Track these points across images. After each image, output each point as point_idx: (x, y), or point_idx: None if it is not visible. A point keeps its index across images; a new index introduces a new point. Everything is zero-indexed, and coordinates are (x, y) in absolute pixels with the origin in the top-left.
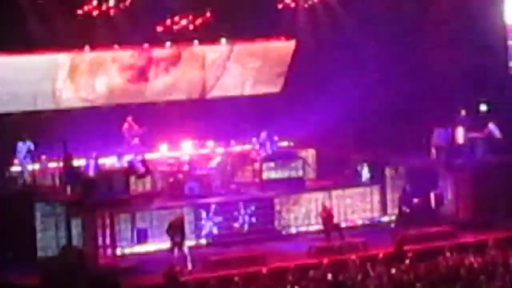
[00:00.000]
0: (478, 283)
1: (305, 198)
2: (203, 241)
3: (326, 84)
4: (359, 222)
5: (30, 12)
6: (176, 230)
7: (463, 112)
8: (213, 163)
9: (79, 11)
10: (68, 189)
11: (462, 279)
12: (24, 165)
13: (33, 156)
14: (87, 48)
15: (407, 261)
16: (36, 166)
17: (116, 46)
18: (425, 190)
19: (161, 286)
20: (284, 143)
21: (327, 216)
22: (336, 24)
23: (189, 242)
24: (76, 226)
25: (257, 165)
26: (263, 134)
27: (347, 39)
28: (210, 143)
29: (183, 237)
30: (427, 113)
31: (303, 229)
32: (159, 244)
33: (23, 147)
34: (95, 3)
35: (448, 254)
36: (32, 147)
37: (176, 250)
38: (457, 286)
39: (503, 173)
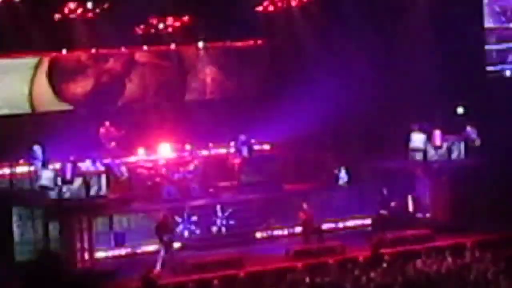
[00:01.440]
0: (455, 286)
1: (283, 201)
2: (180, 244)
3: (303, 87)
4: (337, 225)
5: (7, 15)
6: (164, 230)
7: (440, 115)
8: (191, 167)
9: (58, 15)
10: (46, 193)
11: (439, 283)
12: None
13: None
14: (65, 51)
15: (384, 264)
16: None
17: (94, 49)
18: (403, 193)
19: None
20: (262, 147)
21: (306, 219)
22: (313, 27)
23: None
24: (53, 230)
25: (235, 169)
26: (241, 138)
27: (324, 42)
28: (188, 147)
29: (171, 236)
30: (405, 116)
31: (281, 232)
32: (136, 247)
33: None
34: (73, 6)
35: (425, 257)
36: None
37: (162, 251)
38: None
39: (480, 176)
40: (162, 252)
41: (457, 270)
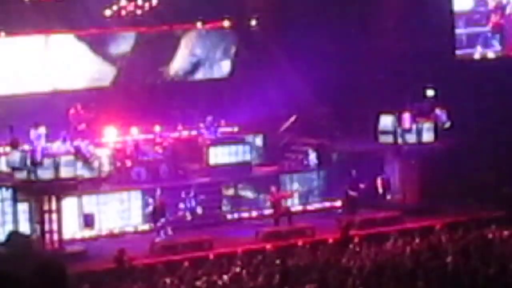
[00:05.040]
0: (424, 268)
1: (252, 183)
2: (150, 226)
3: (272, 69)
4: (306, 207)
5: None
6: (160, 214)
7: (409, 98)
8: (160, 149)
9: None
10: (15, 174)
11: (409, 265)
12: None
13: None
14: (34, 33)
15: (353, 246)
16: None
17: (63, 30)
18: (372, 175)
19: (108, 271)
20: (231, 129)
21: (275, 201)
22: (283, 9)
23: (136, 227)
24: (22, 211)
25: (204, 150)
26: (209, 119)
27: (294, 24)
28: (157, 128)
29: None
30: (374, 98)
31: (250, 214)
32: (105, 229)
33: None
34: None
35: (394, 239)
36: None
37: (162, 233)
38: (404, 272)
39: (449, 159)
40: (160, 236)
41: (425, 252)
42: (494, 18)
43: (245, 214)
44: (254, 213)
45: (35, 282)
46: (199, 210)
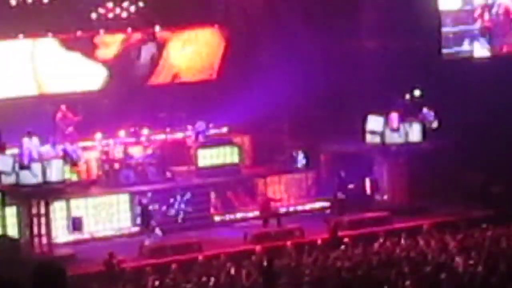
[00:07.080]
0: (414, 268)
1: (240, 184)
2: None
3: (260, 71)
4: (295, 208)
5: None
6: (149, 216)
7: (396, 97)
8: (148, 151)
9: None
10: (3, 178)
11: (398, 264)
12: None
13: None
14: (20, 36)
15: (342, 247)
16: None
17: (50, 34)
18: (360, 176)
19: (97, 274)
20: (219, 130)
21: (264, 202)
22: (270, 12)
23: (125, 230)
24: (11, 215)
25: (192, 152)
26: (200, 124)
27: (280, 26)
28: (145, 131)
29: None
30: (362, 98)
31: (239, 216)
32: (94, 232)
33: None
34: None
35: (383, 239)
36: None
37: (151, 235)
38: (393, 272)
39: (437, 159)
40: (150, 237)
41: (414, 251)
42: (481, 19)
43: (234, 216)
44: (243, 215)
45: (33, 284)
46: (187, 212)
